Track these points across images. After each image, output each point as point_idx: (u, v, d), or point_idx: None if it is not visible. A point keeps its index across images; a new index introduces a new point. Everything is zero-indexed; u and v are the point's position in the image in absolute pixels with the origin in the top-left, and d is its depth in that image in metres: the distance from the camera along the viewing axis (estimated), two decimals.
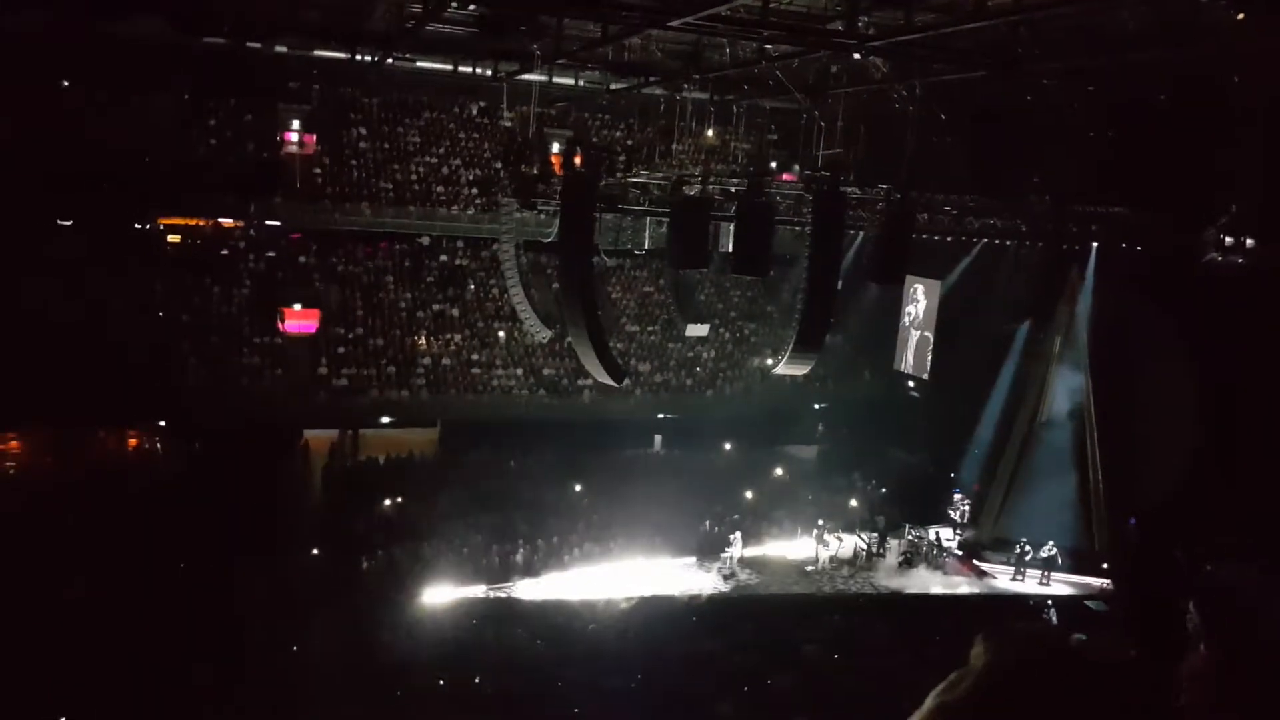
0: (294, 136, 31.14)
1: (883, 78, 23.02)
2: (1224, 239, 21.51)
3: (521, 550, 23.89)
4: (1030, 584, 25.58)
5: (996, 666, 1.46)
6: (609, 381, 22.23)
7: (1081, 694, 1.41)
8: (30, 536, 19.80)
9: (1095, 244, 27.01)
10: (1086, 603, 24.98)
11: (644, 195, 24.13)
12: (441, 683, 17.45)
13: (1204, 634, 2.49)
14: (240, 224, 32.18)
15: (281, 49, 26.92)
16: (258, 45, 26.56)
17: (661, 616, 21.73)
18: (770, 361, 26.60)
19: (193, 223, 32.00)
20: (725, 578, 24.82)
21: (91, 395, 25.12)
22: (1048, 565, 25.50)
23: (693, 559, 25.34)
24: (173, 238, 31.77)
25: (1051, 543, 25.59)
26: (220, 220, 32.13)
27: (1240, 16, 14.68)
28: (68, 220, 29.45)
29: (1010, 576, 25.87)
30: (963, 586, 25.62)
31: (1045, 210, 26.65)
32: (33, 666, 15.41)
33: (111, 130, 28.88)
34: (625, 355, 32.39)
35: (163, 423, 27.76)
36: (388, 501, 25.95)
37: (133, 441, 27.96)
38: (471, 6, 20.66)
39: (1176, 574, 21.32)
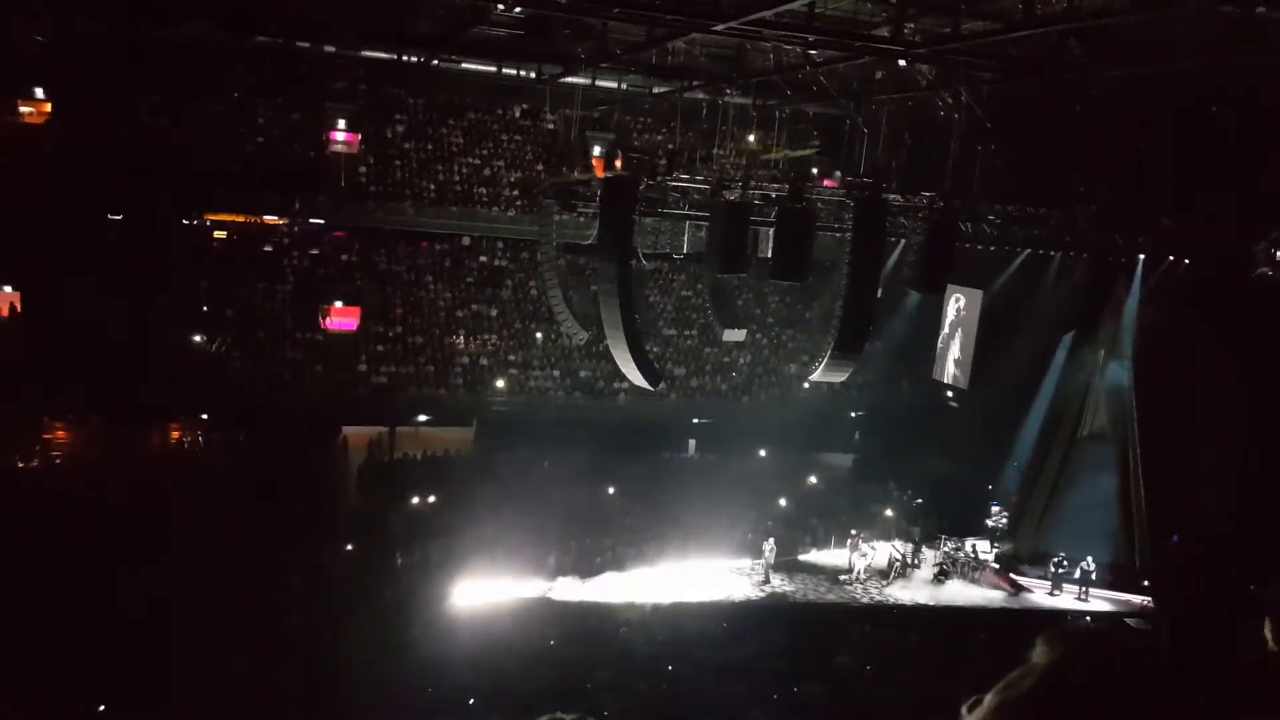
0: (339, 136, 31.56)
1: (928, 84, 22.81)
2: (1275, 253, 20.99)
3: (554, 552, 23.97)
4: (1067, 599, 25.17)
5: (1061, 664, 1.46)
6: (645, 385, 22.26)
7: (1146, 695, 1.40)
8: (75, 525, 20.24)
9: (1142, 255, 26.50)
10: (1126, 620, 24.50)
11: (684, 199, 24.12)
12: (430, 690, 17.38)
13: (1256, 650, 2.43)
14: (284, 221, 32.70)
15: (329, 49, 27.29)
16: (306, 45, 26.97)
17: (693, 622, 21.68)
18: (808, 368, 26.45)
19: (239, 220, 32.58)
20: (758, 585, 24.70)
21: (137, 388, 25.66)
22: (1086, 581, 25.07)
23: (725, 565, 25.25)
24: (219, 234, 32.38)
25: (1090, 558, 25.14)
26: (265, 218, 32.67)
27: None
28: (118, 216, 30.15)
29: (1048, 591, 25.46)
30: (998, 600, 25.26)
31: (1091, 220, 26.19)
32: (72, 655, 15.74)
33: (162, 129, 29.54)
34: (661, 359, 32.38)
35: (205, 416, 28.28)
36: (423, 499, 26.18)
37: (176, 434, 28.49)
38: (518, 10, 20.80)
39: (1220, 594, 20.85)
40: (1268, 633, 2.52)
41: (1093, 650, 1.47)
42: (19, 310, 27.80)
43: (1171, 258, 25.98)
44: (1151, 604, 24.75)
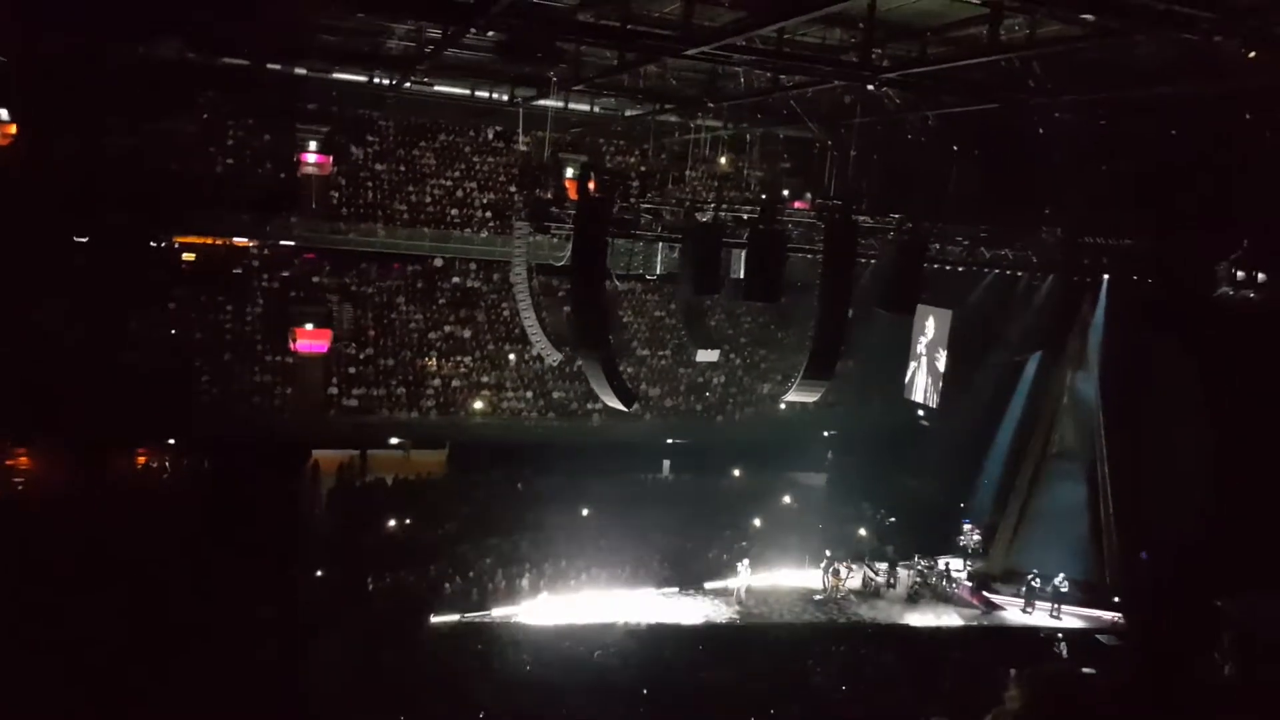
0: (311, 157, 31.47)
1: (896, 109, 23.15)
2: (1236, 273, 21.44)
3: (528, 574, 23.79)
4: (1041, 617, 25.33)
5: (1033, 708, 1.49)
6: (619, 405, 22.23)
7: None
8: (39, 551, 19.84)
9: (1106, 276, 26.97)
10: (1097, 637, 24.71)
11: (657, 221, 24.25)
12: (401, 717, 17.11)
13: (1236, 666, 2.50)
14: (255, 243, 32.47)
15: (301, 71, 27.23)
16: (277, 67, 26.90)
17: (668, 644, 21.58)
18: (781, 388, 26.57)
19: (208, 241, 32.29)
20: (733, 606, 24.64)
21: (102, 411, 25.26)
22: (1059, 598, 25.26)
23: (700, 586, 25.18)
24: (188, 256, 32.09)
25: (1063, 575, 25.36)
26: (235, 239, 32.42)
27: (1251, 55, 14.72)
28: (83, 238, 29.76)
29: (1020, 609, 25.63)
30: (972, 619, 25.37)
31: (1057, 241, 26.65)
32: (38, 677, 15.43)
33: (130, 149, 29.27)
34: (635, 379, 32.44)
35: (172, 440, 27.86)
36: (395, 522, 25.91)
37: (141, 458, 28.03)
38: (490, 33, 20.87)
39: (1188, 609, 21.09)
40: (1222, 645, 2.58)
41: (1063, 694, 1.51)
42: None
43: (1135, 277, 26.44)
44: (1122, 621, 24.99)
